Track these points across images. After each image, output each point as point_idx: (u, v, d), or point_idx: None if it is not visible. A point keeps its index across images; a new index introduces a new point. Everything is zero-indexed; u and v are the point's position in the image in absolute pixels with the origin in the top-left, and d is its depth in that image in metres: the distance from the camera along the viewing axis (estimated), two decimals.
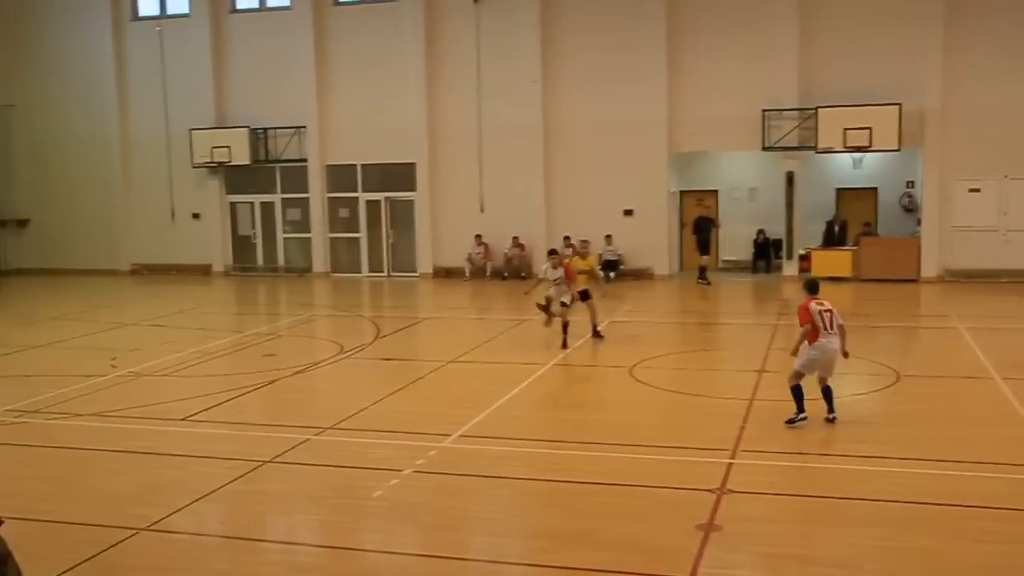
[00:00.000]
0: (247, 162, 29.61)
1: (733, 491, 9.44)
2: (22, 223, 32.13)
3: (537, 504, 9.60)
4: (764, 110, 25.61)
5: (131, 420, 12.80)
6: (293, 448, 11.27)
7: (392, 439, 11.53)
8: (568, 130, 27.30)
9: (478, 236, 28.01)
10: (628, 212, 27.08)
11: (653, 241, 27.03)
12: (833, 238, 26.73)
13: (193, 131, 29.79)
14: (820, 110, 24.91)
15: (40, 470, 10.94)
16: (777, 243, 27.51)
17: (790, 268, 26.65)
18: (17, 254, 32.18)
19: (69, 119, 31.22)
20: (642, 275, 26.90)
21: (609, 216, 26.88)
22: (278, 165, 30.07)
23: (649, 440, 11.16)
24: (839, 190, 27.85)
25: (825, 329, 11.53)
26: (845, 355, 11.80)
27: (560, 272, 17.41)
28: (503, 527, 8.96)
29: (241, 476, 10.31)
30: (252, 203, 30.74)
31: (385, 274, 29.50)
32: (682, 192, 28.84)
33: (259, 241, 30.84)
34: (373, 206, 29.57)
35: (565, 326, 17.30)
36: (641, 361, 15.84)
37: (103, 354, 17.41)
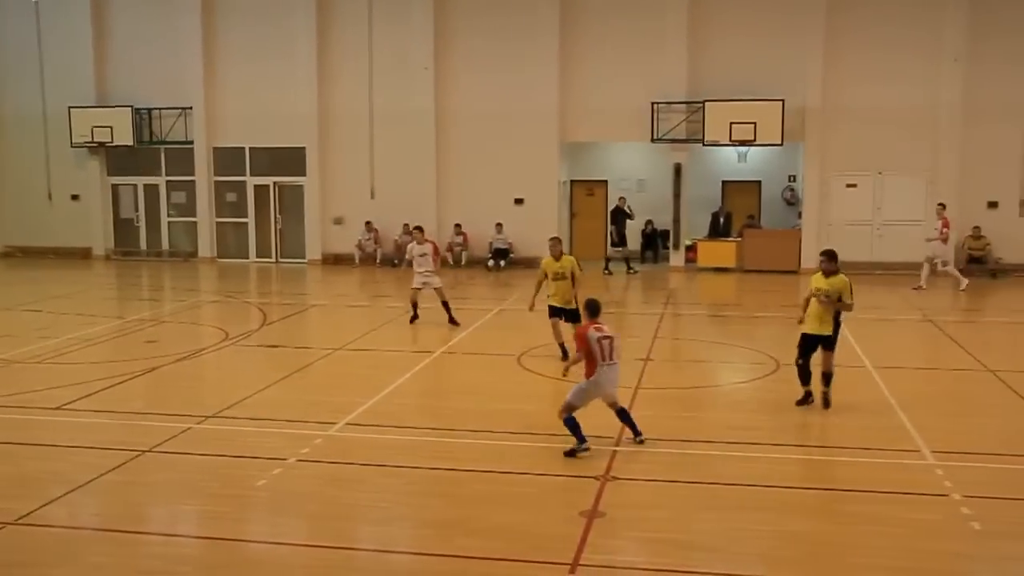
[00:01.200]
0: (130, 143, 28.76)
1: (617, 478, 9.58)
2: None
3: (423, 492, 9.58)
4: (653, 102, 26.00)
5: None
6: (174, 437, 11.01)
7: (277, 427, 11.37)
8: (460, 117, 27.27)
9: (368, 223, 27.77)
10: (519, 201, 27.21)
11: (543, 230, 27.16)
12: (718, 230, 27.36)
13: (72, 109, 28.77)
14: (707, 104, 25.42)
15: None
16: (664, 234, 28.00)
17: (677, 259, 27.17)
18: None
19: None
20: (532, 264, 27.01)
21: (500, 204, 27.00)
22: (163, 147, 29.28)
23: (535, 428, 11.24)
24: (725, 182, 28.52)
25: (604, 359, 10.29)
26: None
27: (427, 248, 17.51)
28: (389, 515, 8.92)
29: (119, 466, 10.03)
30: (135, 185, 29.88)
31: (273, 260, 29.04)
32: (572, 182, 29.12)
33: (142, 224, 30.01)
34: (262, 190, 29.05)
35: (415, 304, 17.85)
36: (529, 349, 15.94)
37: None
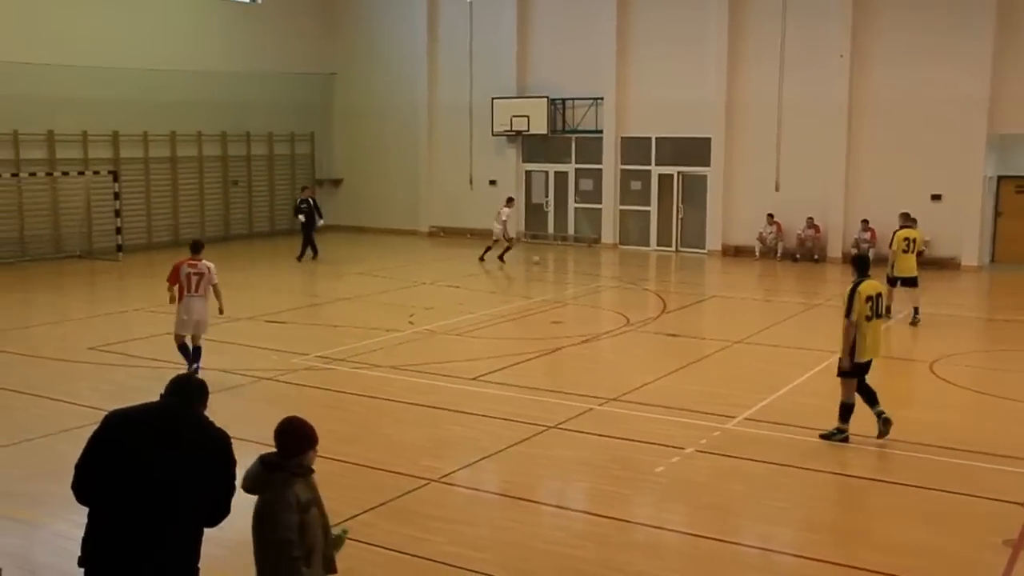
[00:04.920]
0: (544, 132, 30.25)
1: None
2: (336, 183, 34.47)
3: (819, 496, 9.28)
4: None
5: (425, 375, 13.49)
6: (577, 416, 11.48)
7: (675, 416, 11.49)
8: (874, 108, 25.88)
9: (770, 215, 27.23)
10: (936, 197, 25.39)
11: (964, 229, 25.23)
12: None
13: (495, 100, 30.76)
14: None
15: (344, 414, 11.76)
16: None
17: None
18: (331, 211, 34.48)
19: (382, 86, 33.09)
20: (946, 264, 25.19)
21: (913, 201, 25.26)
22: (574, 135, 30.52)
23: (948, 442, 10.49)
24: None
25: (190, 291, 12.85)
26: (220, 311, 13.27)
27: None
28: (782, 516, 8.74)
29: (526, 439, 10.63)
30: (547, 172, 31.40)
31: (673, 249, 29.32)
32: (1000, 177, 26.69)
33: (551, 210, 31.48)
34: (665, 180, 29.40)
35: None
36: (943, 357, 14.87)
37: (402, 310, 18.43)
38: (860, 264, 10.98)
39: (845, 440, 10.57)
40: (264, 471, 5.24)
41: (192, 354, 13.21)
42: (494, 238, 25.95)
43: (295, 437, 5.29)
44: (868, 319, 10.59)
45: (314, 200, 26.76)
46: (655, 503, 9.15)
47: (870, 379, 10.74)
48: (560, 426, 11.08)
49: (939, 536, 8.16)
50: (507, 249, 25.84)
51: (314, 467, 5.34)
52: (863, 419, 11.02)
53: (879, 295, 10.82)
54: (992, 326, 19.22)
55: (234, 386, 12.84)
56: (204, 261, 13.20)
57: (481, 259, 25.72)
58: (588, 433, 10.95)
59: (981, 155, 25.00)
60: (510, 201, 26.95)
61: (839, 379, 10.73)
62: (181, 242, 28.56)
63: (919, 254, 18.12)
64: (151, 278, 23.25)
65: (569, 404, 11.94)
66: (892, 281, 17.70)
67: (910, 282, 17.72)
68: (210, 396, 5.44)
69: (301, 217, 26.26)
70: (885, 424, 10.51)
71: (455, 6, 31.71)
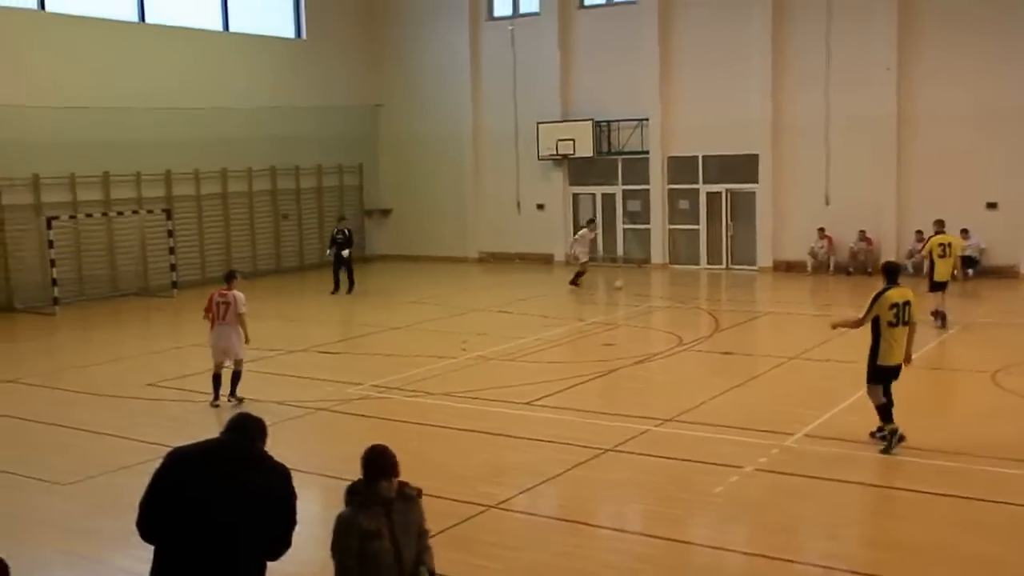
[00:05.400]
0: (590, 154, 30.27)
1: None
2: (385, 213, 34.77)
3: (881, 512, 9.15)
4: None
5: (479, 401, 13.51)
6: (634, 438, 11.42)
7: (733, 435, 11.40)
8: (924, 119, 25.56)
9: (821, 229, 26.97)
10: (991, 205, 24.98)
11: (1019, 237, 24.78)
12: None
13: (540, 124, 30.88)
14: None
15: (402, 443, 11.60)
16: None
17: None
18: (380, 241, 34.84)
19: (427, 115, 33.37)
20: (1006, 273, 24.74)
21: (968, 210, 24.90)
22: (620, 157, 30.51)
23: (1013, 453, 10.28)
24: None
25: (220, 320, 13.33)
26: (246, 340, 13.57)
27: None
28: (842, 533, 8.62)
29: (583, 462, 10.59)
30: (594, 194, 31.39)
31: (723, 266, 29.13)
32: None
33: (599, 231, 31.44)
34: (713, 198, 29.26)
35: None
36: (1005, 367, 14.59)
37: (454, 337, 18.49)
38: (889, 272, 11.12)
39: (897, 436, 10.56)
40: (346, 495, 5.41)
41: (232, 378, 13.73)
42: (580, 261, 25.98)
43: (365, 464, 5.42)
44: (892, 325, 10.66)
45: (350, 231, 26.41)
46: (715, 524, 9.06)
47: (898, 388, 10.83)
48: (616, 448, 11.03)
49: (1007, 549, 7.98)
50: (580, 274, 25.73)
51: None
52: (927, 431, 10.87)
53: (906, 303, 10.79)
54: None
55: (291, 418, 12.95)
56: (234, 291, 13.67)
57: (575, 284, 25.52)
58: (645, 455, 10.89)
59: None
60: (591, 223, 27.11)
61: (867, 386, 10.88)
62: None
63: (968, 260, 18.04)
64: None
65: (624, 426, 11.89)
66: (934, 287, 18.08)
67: (940, 287, 18.10)
68: (268, 430, 5.50)
69: (335, 250, 25.44)
70: (895, 439, 10.53)
71: (497, 33, 31.95)
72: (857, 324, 11.00)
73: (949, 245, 18.20)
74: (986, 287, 23.11)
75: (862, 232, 26.32)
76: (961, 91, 24.89)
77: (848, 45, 26.21)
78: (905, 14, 25.50)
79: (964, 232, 24.12)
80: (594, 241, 26.59)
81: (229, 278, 14.00)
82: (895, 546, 8.29)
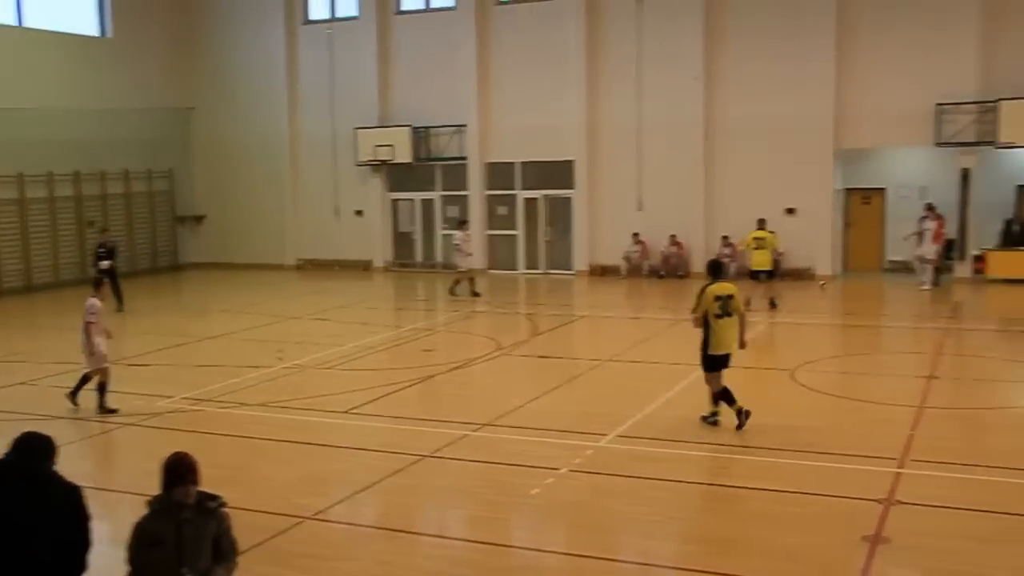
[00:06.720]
0: (409, 160, 30.23)
1: (902, 502, 9.07)
2: (198, 219, 33.69)
3: (695, 507, 9.46)
4: (938, 104, 24.50)
5: (296, 411, 13.25)
6: (451, 443, 11.43)
7: (549, 437, 11.56)
8: (730, 126, 26.76)
9: (635, 234, 27.80)
10: (790, 210, 26.36)
11: (817, 240, 26.24)
12: (1012, 238, 25.37)
13: (358, 130, 30.61)
14: (1002, 102, 23.65)
15: (214, 457, 11.33)
16: (949, 243, 26.26)
17: (963, 269, 25.43)
18: (193, 248, 33.75)
19: (243, 120, 32.55)
20: (802, 275, 26.14)
21: (770, 215, 26.12)
22: (439, 163, 30.59)
23: (811, 446, 10.87)
24: (1021, 187, 26.36)
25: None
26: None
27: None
28: (658, 530, 8.87)
29: (401, 470, 10.53)
30: (412, 200, 31.36)
31: (541, 271, 29.62)
32: (848, 190, 27.90)
33: (418, 238, 31.44)
34: (531, 203, 29.73)
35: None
36: (803, 364, 15.41)
37: (270, 346, 18.08)
38: (713, 268, 12.15)
39: (745, 412, 11.51)
40: (147, 503, 5.32)
41: (97, 389, 13.41)
42: (460, 268, 25.21)
43: (163, 471, 5.31)
44: (718, 317, 11.60)
45: (113, 245, 24.33)
46: (533, 525, 9.17)
47: (730, 379, 11.72)
48: (434, 454, 11.02)
49: (808, 537, 8.40)
50: (458, 282, 24.93)
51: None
52: (734, 428, 11.37)
53: (730, 296, 11.69)
54: (846, 332, 20.02)
55: (96, 434, 12.37)
56: (91, 299, 13.48)
57: (470, 294, 24.58)
58: (463, 460, 10.92)
59: (830, 169, 26.13)
60: (463, 224, 26.63)
61: (704, 374, 11.82)
62: (34, 287, 27.52)
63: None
64: (1, 328, 22.30)
65: (443, 432, 11.89)
66: (752, 275, 21.02)
67: (766, 275, 21.03)
68: (60, 448, 5.23)
69: (105, 263, 22.88)
70: (743, 416, 11.50)
71: (314, 36, 31.51)
72: (696, 322, 11.77)
73: (763, 239, 21.05)
74: (784, 288, 24.32)
75: (673, 237, 27.27)
76: (762, 100, 26.18)
77: (659, 54, 27.14)
78: (711, 25, 26.62)
79: (725, 239, 25.75)
80: (465, 244, 25.42)
81: (97, 284, 14.07)
82: (707, 540, 8.60)
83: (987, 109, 24.09)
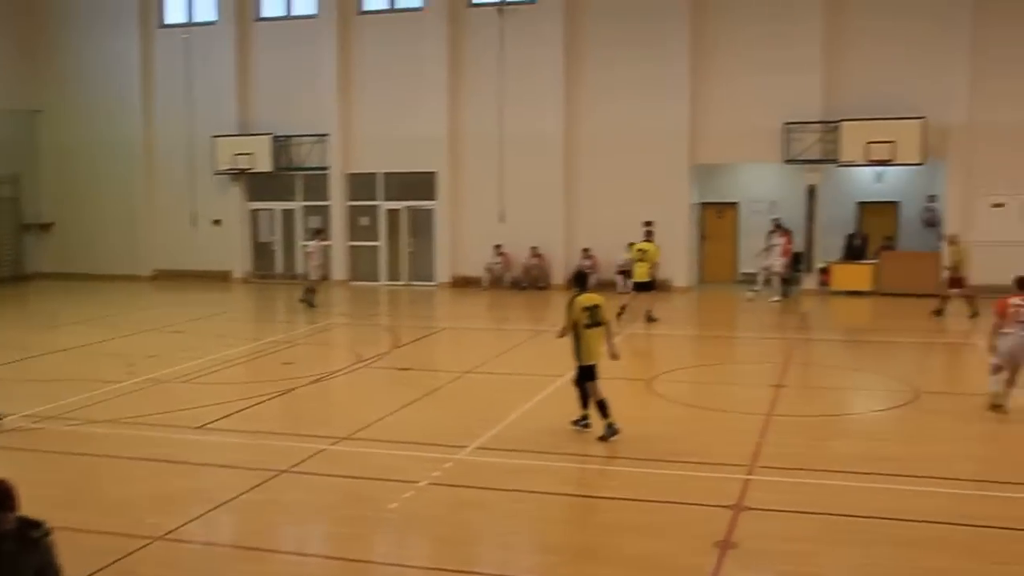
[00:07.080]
0: (269, 169, 29.74)
1: (750, 508, 9.37)
2: (45, 227, 32.37)
3: (551, 518, 9.56)
4: (786, 123, 25.54)
5: (147, 427, 12.84)
6: (310, 458, 11.27)
7: (409, 450, 11.51)
8: (589, 141, 27.29)
9: (497, 246, 28.00)
10: (648, 223, 26.94)
11: (674, 253, 26.91)
12: (853, 252, 26.61)
13: (216, 138, 29.94)
14: (843, 123, 24.82)
15: (56, 476, 10.97)
16: (797, 256, 27.34)
17: (810, 281, 26.52)
18: (40, 258, 32.40)
19: (94, 124, 31.45)
20: (660, 287, 26.75)
21: (629, 227, 26.73)
22: (300, 173, 30.18)
23: (666, 455, 11.11)
24: (860, 204, 27.72)
25: None
26: None
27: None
28: (517, 541, 8.93)
29: (257, 486, 10.32)
30: (272, 210, 30.86)
31: (403, 283, 29.53)
32: (703, 204, 28.78)
33: (279, 248, 30.95)
34: (393, 215, 29.62)
35: None
36: (661, 374, 15.79)
37: (122, 360, 17.49)
38: (578, 279, 12.32)
39: (587, 427, 11.92)
40: None
41: None
42: (312, 278, 24.66)
43: None
44: (587, 327, 11.79)
45: None
46: (391, 540, 9.11)
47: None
48: (291, 469, 10.83)
49: (661, 544, 8.59)
50: (309, 290, 24.40)
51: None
52: (593, 438, 11.55)
53: (596, 306, 11.90)
54: (702, 343, 20.62)
55: None
56: None
57: (312, 305, 24.19)
58: (320, 474, 10.78)
59: (686, 183, 26.87)
60: (321, 233, 26.11)
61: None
62: None
63: (627, 274, 22.77)
64: None
65: (301, 446, 11.71)
66: (635, 287, 21.56)
67: (643, 287, 20.97)
68: None
69: None
70: (610, 430, 11.64)
71: (170, 40, 30.74)
72: (562, 333, 12.07)
73: (644, 251, 21.32)
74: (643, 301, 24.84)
75: (534, 248, 27.59)
76: (621, 115, 26.80)
77: (520, 66, 27.47)
78: (571, 39, 27.10)
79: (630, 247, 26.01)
80: (317, 255, 25.11)
81: None
82: (563, 550, 8.70)
83: (830, 129, 25.25)
